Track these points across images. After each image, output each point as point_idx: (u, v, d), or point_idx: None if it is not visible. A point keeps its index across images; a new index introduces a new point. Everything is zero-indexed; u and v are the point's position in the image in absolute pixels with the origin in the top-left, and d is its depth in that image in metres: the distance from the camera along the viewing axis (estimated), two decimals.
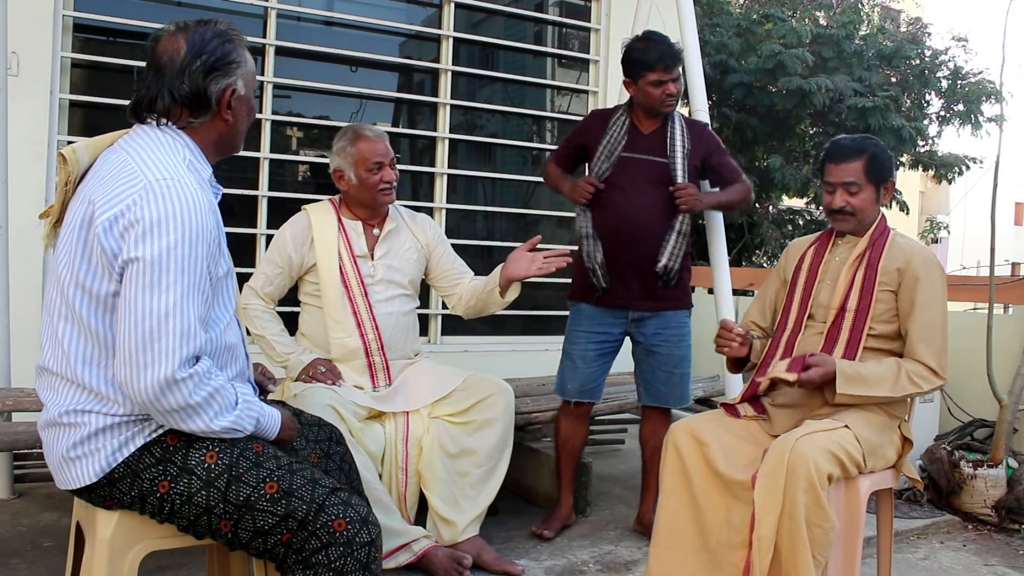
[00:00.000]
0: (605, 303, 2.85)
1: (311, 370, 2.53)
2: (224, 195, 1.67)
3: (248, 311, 2.60)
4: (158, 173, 1.45)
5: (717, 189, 3.00)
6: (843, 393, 2.06)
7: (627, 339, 2.92)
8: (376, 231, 2.68)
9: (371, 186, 2.59)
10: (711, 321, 3.21)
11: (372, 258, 2.65)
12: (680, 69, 2.82)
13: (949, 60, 9.50)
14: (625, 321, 2.86)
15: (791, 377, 2.06)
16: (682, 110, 3.23)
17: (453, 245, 2.90)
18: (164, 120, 1.54)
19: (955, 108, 9.49)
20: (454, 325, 4.22)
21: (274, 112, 3.87)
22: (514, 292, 2.64)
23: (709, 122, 3.21)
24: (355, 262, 2.61)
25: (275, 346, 2.59)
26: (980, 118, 9.40)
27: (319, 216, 2.65)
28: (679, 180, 2.77)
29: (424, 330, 4.02)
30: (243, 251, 3.75)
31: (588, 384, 2.90)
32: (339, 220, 2.65)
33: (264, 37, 3.79)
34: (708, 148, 2.88)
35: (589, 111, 3.85)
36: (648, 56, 2.74)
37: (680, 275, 2.83)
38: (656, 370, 2.86)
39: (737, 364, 2.39)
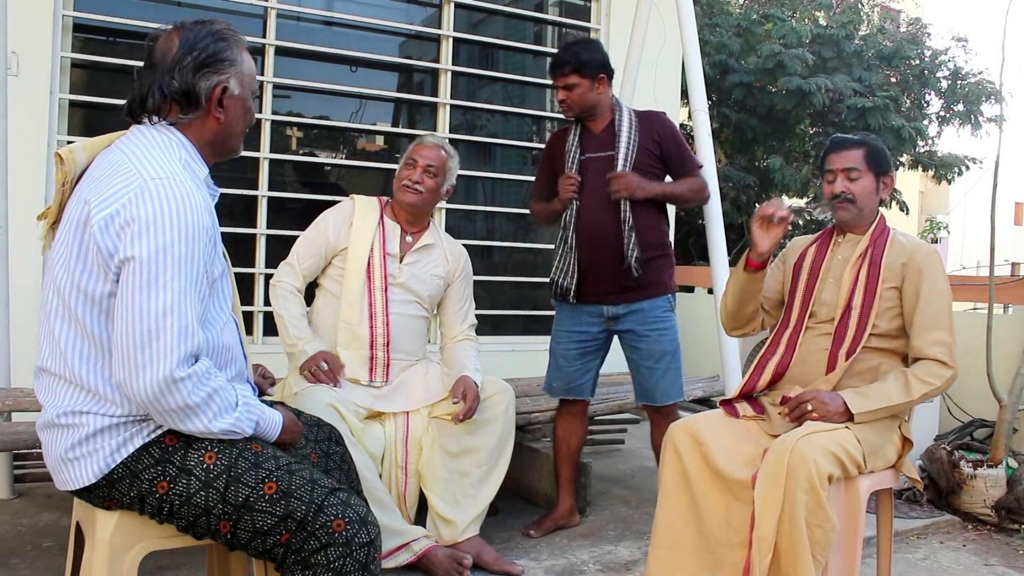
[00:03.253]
0: (581, 301, 2.86)
1: (312, 365, 2.51)
2: (224, 195, 1.66)
3: (278, 288, 2.63)
4: (153, 172, 1.44)
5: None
6: (864, 412, 2.07)
7: (615, 338, 2.92)
8: (409, 239, 2.71)
9: (399, 179, 2.68)
10: (710, 321, 3.21)
11: (400, 261, 2.67)
12: (580, 76, 2.72)
13: (949, 60, 9.49)
14: (602, 319, 2.86)
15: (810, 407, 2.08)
16: (682, 110, 3.21)
17: None
18: (156, 118, 1.54)
19: (955, 108, 9.48)
20: None
21: (274, 112, 3.87)
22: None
23: (708, 123, 3.20)
24: (384, 259, 2.64)
25: (289, 328, 2.60)
26: (980, 118, 9.39)
27: (363, 206, 2.71)
28: (619, 170, 2.75)
29: None
30: (243, 251, 3.74)
31: (572, 382, 2.92)
32: (381, 217, 2.68)
33: (264, 37, 3.79)
34: (660, 134, 2.83)
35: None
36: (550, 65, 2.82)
37: (648, 263, 2.78)
38: (639, 366, 2.86)
39: (750, 262, 2.28)
